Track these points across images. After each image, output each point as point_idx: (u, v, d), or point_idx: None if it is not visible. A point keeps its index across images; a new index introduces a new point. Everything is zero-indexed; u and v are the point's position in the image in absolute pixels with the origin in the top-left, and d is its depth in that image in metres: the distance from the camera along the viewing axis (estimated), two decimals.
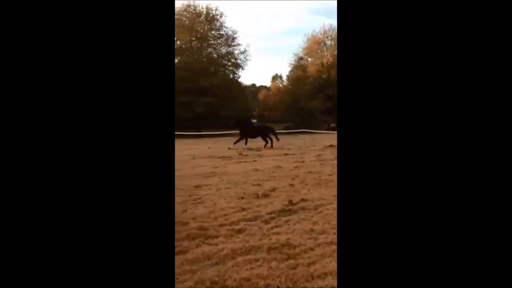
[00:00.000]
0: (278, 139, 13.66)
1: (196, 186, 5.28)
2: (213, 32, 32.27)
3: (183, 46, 31.20)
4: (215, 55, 32.72)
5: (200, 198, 4.41)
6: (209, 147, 13.75)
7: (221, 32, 32.42)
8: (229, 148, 12.24)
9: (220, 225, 3.16)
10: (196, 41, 31.47)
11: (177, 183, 5.64)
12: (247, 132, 13.06)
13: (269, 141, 13.06)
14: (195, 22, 30.99)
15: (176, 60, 31.08)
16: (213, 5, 40.94)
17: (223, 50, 32.96)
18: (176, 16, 30.60)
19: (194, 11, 31.12)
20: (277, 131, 14.13)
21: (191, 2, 31.55)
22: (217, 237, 2.86)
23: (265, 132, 13.38)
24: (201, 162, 8.70)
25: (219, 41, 32.64)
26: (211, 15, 31.78)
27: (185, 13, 30.98)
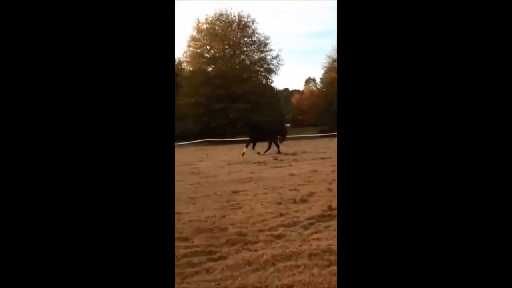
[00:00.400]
0: (281, 141, 12.73)
1: (233, 192, 5.32)
2: (245, 39, 32.68)
3: (217, 54, 31.82)
4: (248, 62, 33.07)
5: (237, 204, 4.43)
6: (244, 153, 13.85)
7: (253, 39, 32.76)
8: (259, 154, 11.89)
9: (259, 231, 3.15)
10: (229, 48, 31.99)
11: (213, 189, 5.72)
12: (255, 135, 12.50)
13: (276, 145, 12.25)
14: (227, 30, 31.52)
15: (210, 69, 31.77)
16: (245, 12, 41.51)
17: (256, 56, 33.26)
18: (208, 25, 31.36)
19: (226, 20, 31.70)
20: (311, 135, 13.90)
21: (224, 11, 32.20)
22: (256, 242, 2.85)
23: (273, 135, 12.66)
24: (237, 168, 8.77)
25: (251, 48, 32.98)
26: (243, 22, 32.22)
27: (218, 22, 31.64)
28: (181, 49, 36.21)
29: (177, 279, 2.26)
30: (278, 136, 12.81)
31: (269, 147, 12.28)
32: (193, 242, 3.00)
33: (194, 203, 4.66)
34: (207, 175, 7.69)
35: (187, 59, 32.66)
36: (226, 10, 32.26)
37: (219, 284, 2.15)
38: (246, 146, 12.25)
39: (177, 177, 7.55)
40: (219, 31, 31.28)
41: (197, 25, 31.63)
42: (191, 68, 32.08)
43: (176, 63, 35.60)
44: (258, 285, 2.07)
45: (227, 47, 31.83)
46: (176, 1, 1.39)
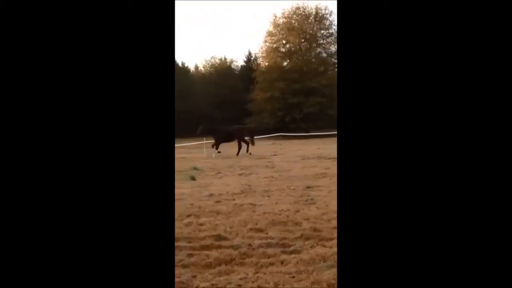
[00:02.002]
0: (253, 144, 12.00)
1: (307, 187, 5.29)
2: (322, 31, 31.93)
3: (293, 48, 31.68)
4: (324, 55, 32.30)
5: (312, 199, 4.41)
6: (319, 148, 13.64)
7: (330, 31, 31.85)
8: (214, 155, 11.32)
9: (334, 227, 3.10)
10: (305, 42, 31.60)
11: (287, 183, 5.76)
12: (220, 137, 11.87)
13: (246, 146, 11.64)
14: (304, 24, 31.15)
15: (285, 63, 31.79)
16: (322, 4, 40.50)
17: (333, 48, 32.29)
18: (285, 19, 31.31)
19: (303, 13, 31.32)
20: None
21: (300, 4, 31.83)
22: (331, 239, 2.81)
23: (240, 135, 11.97)
24: (311, 163, 8.69)
25: (328, 40, 32.10)
26: (320, 14, 31.51)
27: (295, 15, 31.41)
28: (258, 44, 36.73)
29: (251, 269, 2.35)
30: (246, 137, 12.04)
31: (240, 148, 11.61)
32: (267, 233, 3.07)
33: (268, 196, 4.75)
34: (281, 169, 7.76)
35: (263, 54, 33.11)
36: (303, 3, 31.88)
37: (293, 277, 2.18)
38: (213, 147, 11.89)
39: (252, 170, 7.77)
40: (296, 25, 31.07)
41: (274, 20, 31.85)
42: (266, 63, 32.46)
43: (252, 58, 36.40)
44: (333, 281, 2.05)
45: (303, 40, 31.47)
46: (176, 1, 1.39)
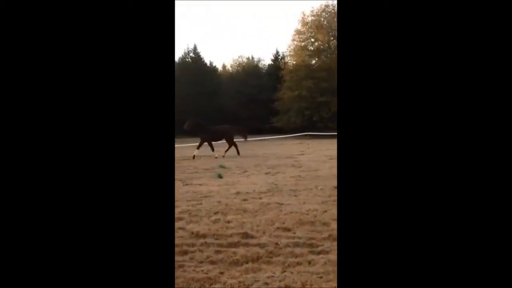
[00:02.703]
0: (246, 139, 11.70)
1: (335, 187, 5.21)
2: None
3: (321, 47, 31.29)
4: None
5: None
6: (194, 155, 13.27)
7: None
8: (194, 156, 10.51)
9: None
10: (334, 40, 31.12)
11: (315, 182, 5.70)
12: (205, 136, 11.02)
13: (228, 147, 11.05)
14: (333, 22, 30.68)
15: (313, 61, 31.46)
16: None
17: None
18: (313, 18, 30.97)
19: (333, 11, 30.85)
20: None
21: (330, 2, 31.37)
22: None
23: (227, 134, 11.19)
24: None
25: None
26: None
27: (324, 13, 31.00)
28: (285, 43, 36.49)
29: (279, 268, 2.34)
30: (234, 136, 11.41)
31: (229, 147, 11.07)
32: (295, 233, 3.05)
33: (295, 195, 4.72)
34: (309, 168, 7.69)
35: (290, 53, 32.91)
36: (333, 1, 31.36)
37: (321, 277, 2.15)
38: (198, 148, 10.91)
39: (279, 169, 7.74)
40: (325, 23, 30.64)
41: (302, 18, 31.57)
42: (294, 62, 32.24)
43: (279, 57, 36.26)
44: None
45: (332, 38, 31.01)
46: (176, 1, 1.39)
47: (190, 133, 11.22)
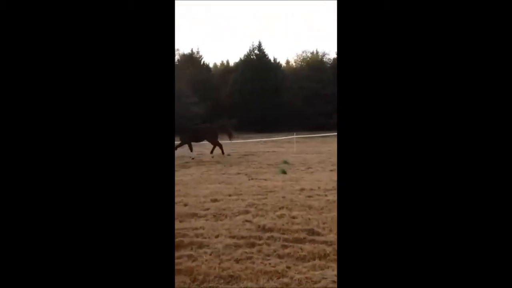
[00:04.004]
0: (231, 138, 10.68)
1: None
2: None
3: None
4: None
5: None
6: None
7: None
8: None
9: None
10: None
11: None
12: (186, 137, 10.17)
13: (213, 147, 10.22)
14: None
15: None
16: None
17: None
18: None
19: None
20: None
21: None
22: None
23: (208, 134, 10.37)
24: None
25: None
26: None
27: None
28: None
29: None
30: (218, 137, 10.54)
31: (214, 147, 10.26)
32: None
33: None
34: None
35: None
36: None
37: None
38: (177, 148, 9.84)
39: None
40: None
41: None
42: None
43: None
44: None
45: None
46: (176, 1, 1.37)
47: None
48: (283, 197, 4.44)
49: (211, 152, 10.14)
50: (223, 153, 10.14)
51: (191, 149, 10.04)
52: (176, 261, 2.51)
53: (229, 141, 11.08)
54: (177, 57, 32.20)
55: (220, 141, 10.41)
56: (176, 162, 8.75)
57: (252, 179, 6.04)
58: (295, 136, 13.11)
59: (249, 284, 2.16)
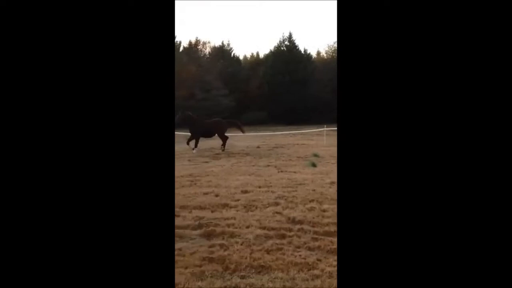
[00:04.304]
0: (243, 131, 10.45)
1: None
2: None
3: None
4: None
5: None
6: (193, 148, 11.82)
7: None
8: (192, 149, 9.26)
9: None
10: None
11: None
12: (196, 131, 9.67)
13: (222, 141, 9.72)
14: None
15: None
16: None
17: None
18: None
19: None
20: None
21: None
22: None
23: (221, 129, 9.91)
24: None
25: None
26: None
27: None
28: None
29: None
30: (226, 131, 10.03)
31: (224, 143, 9.77)
32: None
33: None
34: None
35: None
36: None
37: None
38: (188, 143, 9.59)
39: None
40: None
41: None
42: None
43: None
44: None
45: None
46: (176, 1, 1.36)
47: (181, 127, 9.73)
48: (313, 190, 4.43)
49: (223, 146, 9.73)
50: (223, 149, 9.66)
51: (196, 144, 9.56)
52: (208, 249, 2.60)
53: (257, 134, 11.11)
54: (208, 50, 32.52)
55: (232, 134, 10.42)
56: (206, 153, 8.92)
57: (281, 171, 6.06)
58: (325, 129, 12.94)
59: (280, 275, 2.20)
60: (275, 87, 28.36)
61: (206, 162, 7.56)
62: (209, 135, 10.03)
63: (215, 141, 10.41)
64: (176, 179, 5.42)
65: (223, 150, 9.51)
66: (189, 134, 9.90)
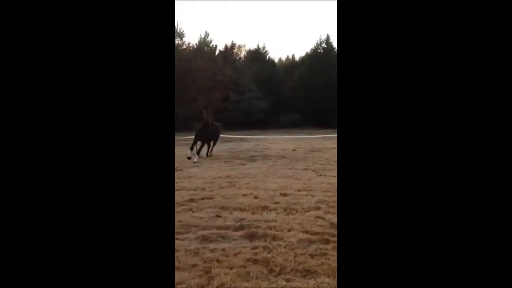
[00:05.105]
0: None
1: None
2: None
3: None
4: None
5: None
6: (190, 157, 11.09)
7: None
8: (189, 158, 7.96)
9: None
10: None
11: None
12: (201, 136, 8.43)
13: (210, 146, 8.96)
14: None
15: None
16: None
17: None
18: None
19: None
20: None
21: None
22: None
23: (215, 134, 9.15)
24: None
25: None
26: None
27: None
28: None
29: None
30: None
31: (208, 147, 8.95)
32: None
33: None
34: None
35: None
36: None
37: None
38: (191, 149, 8.21)
39: None
40: None
41: None
42: None
43: None
44: None
45: None
46: (176, 1, 1.36)
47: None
48: None
49: (207, 153, 8.94)
50: (208, 154, 8.93)
51: (198, 152, 8.35)
52: (252, 251, 2.60)
53: (292, 137, 10.89)
54: (243, 53, 32.87)
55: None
56: (242, 155, 8.98)
57: (320, 175, 5.97)
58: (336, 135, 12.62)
59: (326, 280, 2.16)
60: (310, 90, 28.15)
61: (243, 164, 7.62)
62: (209, 141, 8.95)
63: (251, 144, 10.43)
64: (213, 180, 5.51)
65: (210, 156, 8.79)
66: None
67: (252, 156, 8.98)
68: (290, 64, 33.63)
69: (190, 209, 3.78)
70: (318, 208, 3.74)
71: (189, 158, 7.91)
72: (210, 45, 29.44)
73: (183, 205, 3.95)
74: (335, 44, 32.55)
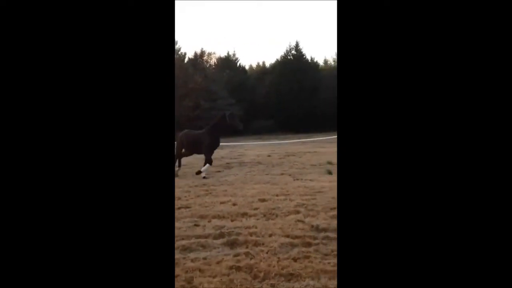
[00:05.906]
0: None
1: None
2: None
3: None
4: None
5: None
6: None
7: None
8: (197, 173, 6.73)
9: None
10: None
11: None
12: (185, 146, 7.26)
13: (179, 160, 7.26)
14: None
15: None
16: None
17: None
18: None
19: None
20: None
21: None
22: None
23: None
24: None
25: None
26: None
27: None
28: None
29: None
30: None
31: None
32: None
33: None
34: None
35: None
36: None
37: None
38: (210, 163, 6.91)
39: None
40: None
41: None
42: None
43: None
44: None
45: None
46: (176, 1, 1.37)
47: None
48: (333, 197, 4.37)
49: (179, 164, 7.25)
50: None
51: (179, 163, 7.23)
52: (234, 258, 2.56)
53: (266, 143, 10.37)
54: (213, 61, 32.80)
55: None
56: (217, 162, 8.90)
57: (297, 179, 6.01)
58: (335, 137, 12.85)
59: (311, 282, 2.15)
60: (282, 96, 28.44)
61: (219, 171, 7.54)
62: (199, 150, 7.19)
63: (228, 151, 10.39)
64: (189, 189, 5.40)
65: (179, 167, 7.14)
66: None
67: (228, 163, 8.91)
68: (261, 71, 33.90)
69: None
70: (298, 212, 3.75)
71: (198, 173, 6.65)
72: (179, 52, 29.16)
73: None
74: (304, 51, 33.16)
